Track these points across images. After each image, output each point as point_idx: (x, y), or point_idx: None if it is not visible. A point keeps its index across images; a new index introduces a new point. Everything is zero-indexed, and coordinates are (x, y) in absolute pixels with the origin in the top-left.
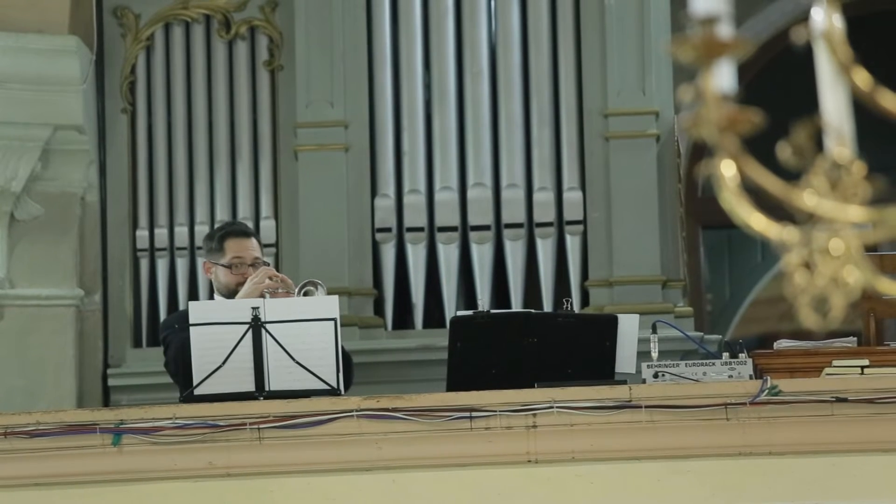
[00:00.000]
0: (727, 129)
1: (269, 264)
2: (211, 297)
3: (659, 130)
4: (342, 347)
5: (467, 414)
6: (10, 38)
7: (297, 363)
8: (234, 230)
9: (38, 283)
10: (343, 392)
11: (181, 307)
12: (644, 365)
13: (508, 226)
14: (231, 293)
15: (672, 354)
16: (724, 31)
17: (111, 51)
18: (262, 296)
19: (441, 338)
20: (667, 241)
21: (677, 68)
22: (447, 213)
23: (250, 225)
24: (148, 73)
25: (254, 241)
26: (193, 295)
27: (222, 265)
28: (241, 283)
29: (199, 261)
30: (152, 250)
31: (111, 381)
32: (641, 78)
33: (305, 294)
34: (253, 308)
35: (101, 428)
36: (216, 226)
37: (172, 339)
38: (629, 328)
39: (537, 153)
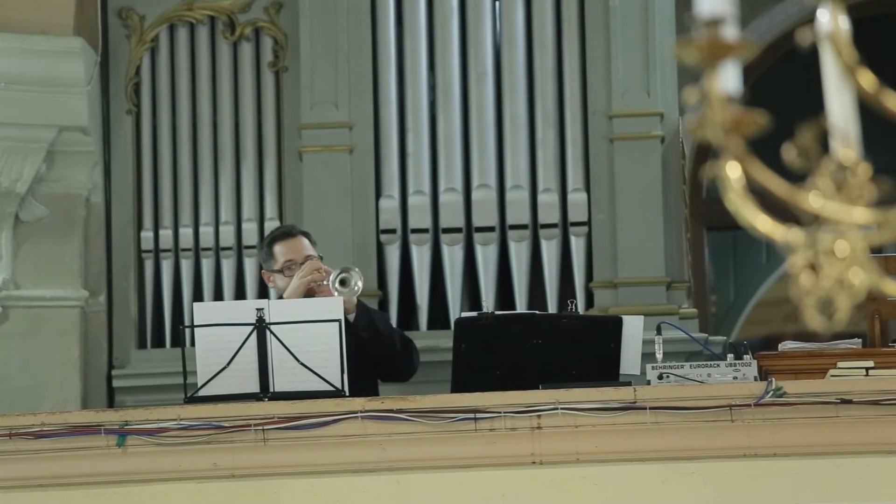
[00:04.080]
0: (732, 130)
1: (322, 258)
2: (219, 299)
3: (664, 132)
4: (402, 332)
5: (472, 415)
6: (14, 40)
7: (302, 364)
8: (279, 234)
9: (42, 284)
10: (410, 371)
11: (186, 308)
12: (648, 366)
13: (513, 227)
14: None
15: (676, 356)
16: (729, 32)
17: (116, 52)
18: (310, 290)
19: (446, 339)
20: (671, 243)
21: (682, 70)
22: (452, 215)
23: (254, 226)
24: (153, 74)
25: (302, 239)
26: (198, 296)
27: (276, 271)
28: None
29: (204, 262)
30: (157, 251)
31: (116, 383)
32: (646, 79)
33: (342, 283)
34: (258, 309)
35: (106, 429)
36: (266, 232)
37: None
38: (633, 329)
39: (542, 154)
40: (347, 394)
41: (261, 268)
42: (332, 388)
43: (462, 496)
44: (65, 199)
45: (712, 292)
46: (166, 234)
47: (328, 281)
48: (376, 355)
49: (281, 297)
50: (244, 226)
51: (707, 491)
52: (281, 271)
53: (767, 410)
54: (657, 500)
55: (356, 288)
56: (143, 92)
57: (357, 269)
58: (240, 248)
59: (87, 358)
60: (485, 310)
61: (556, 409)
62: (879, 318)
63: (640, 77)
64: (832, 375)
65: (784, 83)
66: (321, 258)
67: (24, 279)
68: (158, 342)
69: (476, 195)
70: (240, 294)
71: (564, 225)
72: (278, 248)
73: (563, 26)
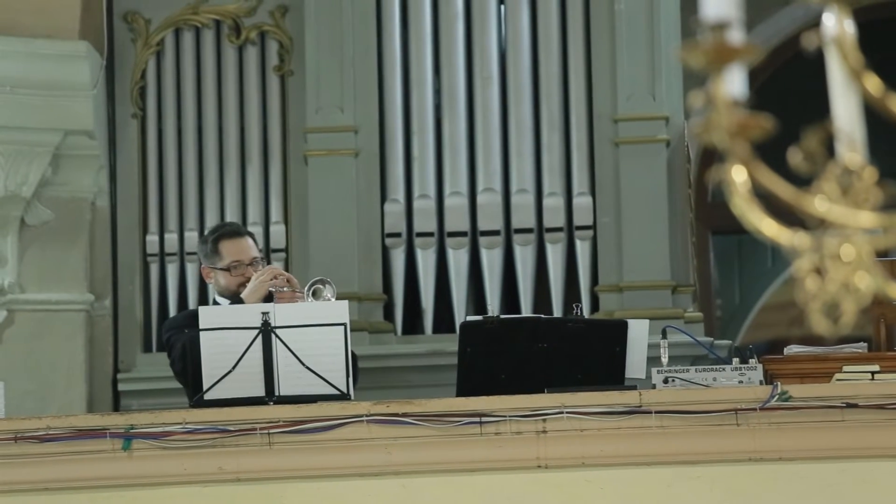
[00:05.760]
0: (738, 134)
1: (267, 261)
2: (214, 302)
3: (669, 136)
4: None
5: (477, 419)
6: (20, 44)
7: (307, 368)
8: (226, 231)
9: (48, 287)
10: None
11: None
12: (654, 370)
13: (518, 231)
14: (233, 295)
15: (682, 360)
16: (735, 36)
17: (121, 56)
18: (268, 294)
19: (451, 343)
20: (677, 247)
21: (687, 74)
22: (457, 218)
23: (260, 230)
24: (158, 78)
25: (248, 239)
26: (203, 300)
27: (221, 269)
28: (243, 284)
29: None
30: (162, 255)
31: (121, 386)
32: (651, 83)
33: (314, 294)
34: (263, 313)
35: (112, 433)
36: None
37: (177, 339)
38: (639, 333)
39: (547, 158)
40: (353, 397)
41: (200, 263)
42: (337, 392)
43: (467, 500)
44: (70, 202)
45: (717, 296)
46: (171, 238)
47: (298, 290)
48: None
49: (222, 296)
50: (249, 230)
51: (712, 495)
52: (227, 269)
53: (773, 414)
54: None
55: (326, 300)
56: (148, 96)
57: (331, 283)
58: None
59: (92, 362)
60: (490, 313)
61: (562, 412)
62: (885, 322)
63: (646, 81)
64: (838, 379)
65: (789, 87)
66: (265, 259)
67: (29, 283)
68: (164, 346)
69: (481, 199)
70: None
71: (570, 229)
72: (225, 247)
73: (568, 30)
